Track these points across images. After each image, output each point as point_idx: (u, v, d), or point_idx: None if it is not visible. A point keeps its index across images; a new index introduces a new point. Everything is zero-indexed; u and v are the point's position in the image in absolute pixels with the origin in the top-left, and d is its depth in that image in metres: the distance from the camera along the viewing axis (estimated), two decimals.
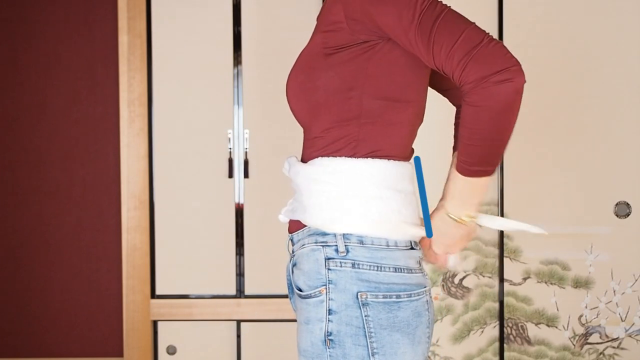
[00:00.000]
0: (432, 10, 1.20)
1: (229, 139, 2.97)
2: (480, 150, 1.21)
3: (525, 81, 1.16)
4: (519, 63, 1.16)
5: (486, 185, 1.27)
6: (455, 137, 1.50)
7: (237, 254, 2.99)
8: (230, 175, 2.97)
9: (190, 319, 2.98)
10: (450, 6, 1.23)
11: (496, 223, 1.38)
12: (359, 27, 1.28)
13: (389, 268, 1.31)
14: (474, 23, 1.20)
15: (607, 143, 2.70)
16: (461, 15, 1.22)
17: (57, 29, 3.11)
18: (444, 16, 1.20)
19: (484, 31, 1.19)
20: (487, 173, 1.24)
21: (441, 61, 1.19)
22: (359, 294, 1.29)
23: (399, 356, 1.31)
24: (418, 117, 1.38)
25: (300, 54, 1.39)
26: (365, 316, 1.29)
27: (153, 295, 3.00)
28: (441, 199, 1.35)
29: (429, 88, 1.55)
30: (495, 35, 2.72)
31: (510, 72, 1.15)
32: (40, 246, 3.14)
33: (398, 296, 1.31)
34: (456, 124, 1.51)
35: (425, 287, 1.36)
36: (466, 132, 1.21)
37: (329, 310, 1.30)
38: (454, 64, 1.18)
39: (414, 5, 1.21)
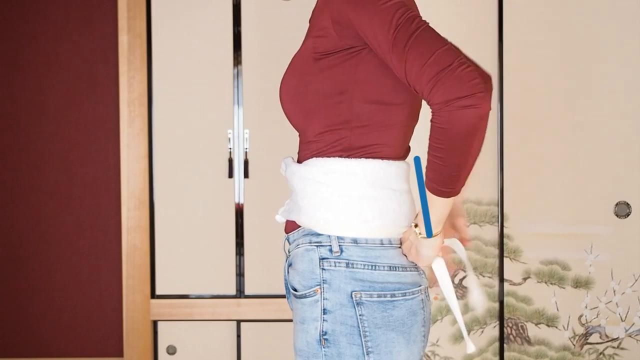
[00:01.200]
0: (408, 27, 1.21)
1: (229, 139, 2.97)
2: (441, 169, 1.22)
3: (490, 108, 1.17)
4: (486, 90, 1.16)
5: (445, 207, 1.27)
6: None
7: (237, 254, 2.99)
8: (230, 175, 2.97)
9: (190, 319, 2.98)
10: (427, 22, 1.23)
11: (441, 272, 1.38)
12: (345, 32, 1.29)
13: (384, 267, 1.32)
14: (449, 43, 1.20)
15: (607, 143, 2.70)
16: (437, 34, 1.22)
17: (57, 29, 3.11)
18: (419, 34, 1.20)
19: (457, 53, 1.19)
20: (445, 194, 1.25)
21: (412, 79, 1.20)
22: (353, 293, 1.30)
23: (394, 355, 1.31)
24: (412, 118, 1.39)
25: (293, 58, 1.41)
26: (360, 315, 1.29)
27: (153, 295, 3.00)
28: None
29: None
30: (496, 36, 2.73)
31: (475, 98, 1.15)
32: (40, 246, 3.14)
33: (393, 295, 1.31)
34: None
35: (420, 285, 1.36)
36: (431, 149, 1.23)
37: (324, 309, 1.31)
38: (422, 84, 1.18)
39: (390, 20, 1.22)
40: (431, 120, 1.20)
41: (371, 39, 1.25)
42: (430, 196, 1.27)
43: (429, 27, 1.22)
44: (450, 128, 1.17)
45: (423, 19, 1.24)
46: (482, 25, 2.73)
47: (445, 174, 1.23)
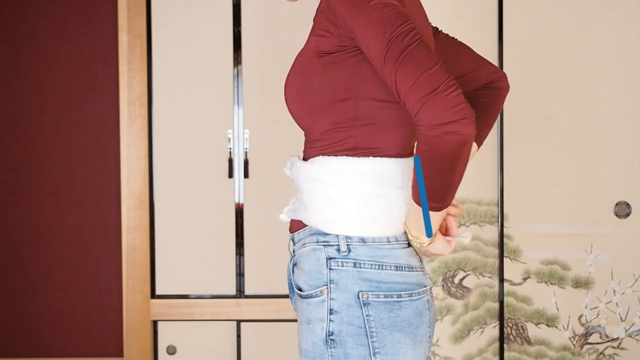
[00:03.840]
0: (400, 42, 1.21)
1: (229, 139, 2.97)
2: (428, 187, 1.25)
3: (474, 133, 1.18)
4: (469, 115, 1.18)
5: (435, 217, 1.30)
6: None
7: (237, 254, 2.99)
8: (230, 175, 2.97)
9: (190, 319, 2.98)
10: (419, 38, 1.22)
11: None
12: (343, 33, 1.29)
13: (390, 266, 1.32)
14: (438, 63, 1.20)
15: (607, 143, 2.71)
16: (429, 51, 1.22)
17: (57, 29, 3.11)
18: (410, 52, 1.20)
19: (444, 75, 1.19)
20: (433, 209, 1.28)
21: (401, 96, 1.22)
22: (360, 293, 1.30)
23: (401, 356, 1.31)
24: None
25: (297, 57, 1.40)
26: (367, 316, 1.29)
27: (153, 295, 3.00)
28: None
29: None
30: (496, 36, 2.72)
31: (459, 124, 1.17)
32: (40, 246, 3.14)
33: (399, 295, 1.31)
34: None
35: (426, 286, 1.36)
36: (416, 172, 1.25)
37: (331, 310, 1.31)
38: (410, 105, 1.20)
39: (384, 32, 1.22)
40: (417, 142, 1.23)
41: (364, 48, 1.25)
42: (415, 207, 1.30)
43: (422, 43, 1.22)
44: (433, 151, 1.20)
45: (417, 32, 1.23)
46: (482, 25, 2.73)
47: (431, 191, 1.26)
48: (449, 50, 1.52)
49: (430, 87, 1.18)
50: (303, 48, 1.39)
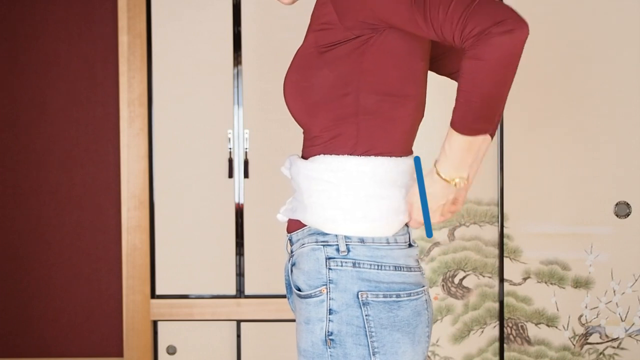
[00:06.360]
0: None
1: (229, 139, 2.97)
2: (479, 106, 1.19)
3: (528, 31, 1.13)
4: (518, 14, 1.14)
5: (484, 147, 1.25)
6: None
7: (237, 254, 2.99)
8: (230, 175, 2.97)
9: (190, 319, 2.98)
10: None
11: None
12: (352, 22, 1.28)
13: (389, 267, 1.31)
14: None
15: (607, 143, 2.70)
16: None
17: (57, 29, 3.11)
18: None
19: None
20: (486, 131, 1.23)
21: (439, 25, 1.18)
22: (359, 293, 1.29)
23: (400, 355, 1.31)
24: (418, 112, 1.37)
25: (295, 54, 1.39)
26: (366, 316, 1.29)
27: (153, 295, 3.00)
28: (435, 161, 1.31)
29: (441, 81, 1.55)
30: None
31: (511, 22, 1.14)
32: (40, 246, 3.14)
33: (398, 295, 1.31)
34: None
35: (423, 286, 1.36)
36: (465, 87, 1.19)
37: (330, 310, 1.30)
38: (453, 25, 1.16)
39: None
40: (465, 57, 1.17)
41: (390, 7, 1.23)
42: (464, 139, 1.23)
43: None
44: (490, 58, 1.14)
45: None
46: None
47: (485, 109, 1.19)
48: (441, 48, 1.51)
49: (469, 0, 1.15)
50: (302, 45, 1.39)
